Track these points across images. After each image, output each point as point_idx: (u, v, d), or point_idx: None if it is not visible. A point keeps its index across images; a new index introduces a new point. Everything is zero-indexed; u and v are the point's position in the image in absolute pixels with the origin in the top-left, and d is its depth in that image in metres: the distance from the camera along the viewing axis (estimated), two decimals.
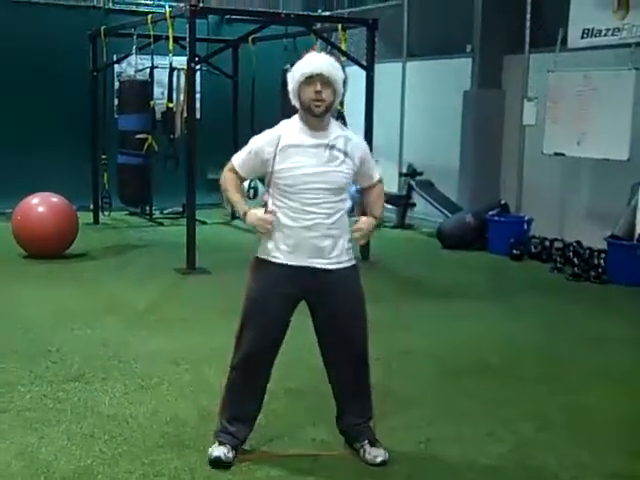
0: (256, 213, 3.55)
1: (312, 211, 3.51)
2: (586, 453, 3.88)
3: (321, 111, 3.50)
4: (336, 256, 3.58)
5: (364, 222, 3.64)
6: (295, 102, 3.58)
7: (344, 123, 8.75)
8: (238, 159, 3.67)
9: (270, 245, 3.57)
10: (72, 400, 4.38)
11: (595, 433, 4.14)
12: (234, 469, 3.58)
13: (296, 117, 3.62)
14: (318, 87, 3.47)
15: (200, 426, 4.01)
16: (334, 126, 3.62)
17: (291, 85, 3.56)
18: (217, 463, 3.58)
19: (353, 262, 3.67)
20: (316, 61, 3.53)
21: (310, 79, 3.48)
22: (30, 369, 4.84)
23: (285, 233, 3.54)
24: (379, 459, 3.67)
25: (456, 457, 3.81)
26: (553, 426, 4.22)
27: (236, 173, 3.69)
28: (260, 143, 3.59)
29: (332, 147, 3.54)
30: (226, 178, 3.70)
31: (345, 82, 8.27)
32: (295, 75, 3.54)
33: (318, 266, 3.54)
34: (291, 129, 3.57)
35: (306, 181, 3.49)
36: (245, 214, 3.58)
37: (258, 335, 3.59)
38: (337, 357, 3.70)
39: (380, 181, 3.82)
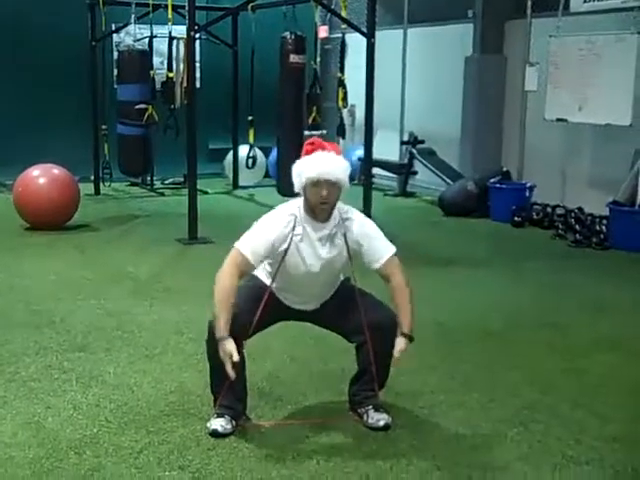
0: (230, 349, 3.34)
1: (310, 287, 3.66)
2: (588, 417, 3.91)
3: (325, 214, 3.54)
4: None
5: (401, 350, 3.54)
6: (299, 191, 3.54)
7: (345, 92, 8.71)
8: (249, 246, 3.50)
9: (265, 281, 3.66)
10: (77, 370, 4.41)
11: (597, 397, 4.16)
12: (238, 437, 3.61)
13: (302, 204, 3.57)
14: (324, 192, 3.45)
15: (204, 395, 4.02)
16: (335, 212, 3.60)
17: (297, 182, 3.51)
18: (215, 435, 3.61)
19: (341, 278, 3.81)
20: (323, 166, 3.45)
21: (317, 183, 3.45)
22: (35, 340, 4.87)
23: (281, 293, 3.67)
24: (382, 422, 3.70)
25: (459, 422, 3.83)
26: (555, 391, 4.24)
27: (242, 264, 3.49)
28: (274, 235, 3.50)
29: (333, 236, 3.57)
30: (223, 283, 3.46)
31: (345, 49, 8.17)
32: (302, 175, 3.48)
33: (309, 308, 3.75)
34: (299, 222, 3.54)
35: (309, 271, 3.57)
36: (220, 339, 3.36)
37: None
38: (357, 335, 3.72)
39: (395, 264, 3.65)
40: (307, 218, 3.56)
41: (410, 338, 3.58)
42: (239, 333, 3.50)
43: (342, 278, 3.82)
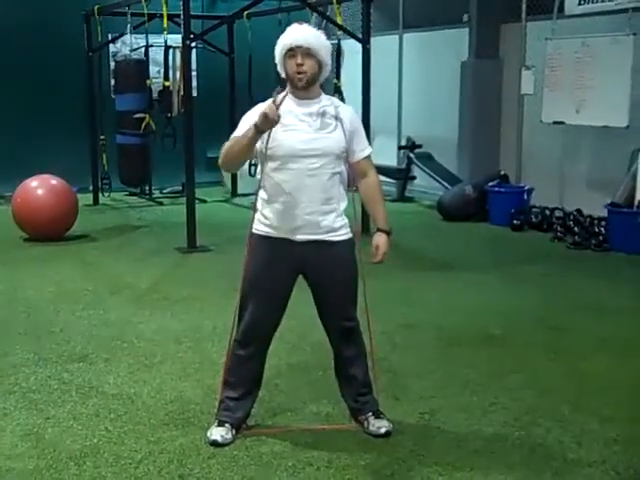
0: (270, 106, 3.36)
1: (307, 184, 3.47)
2: (588, 419, 3.90)
3: (303, 84, 3.47)
4: (333, 229, 3.56)
5: (381, 246, 3.66)
6: (282, 74, 3.56)
7: (341, 98, 8.73)
8: (237, 133, 3.55)
9: (266, 221, 3.55)
10: (77, 380, 4.40)
11: (598, 400, 4.15)
12: (238, 444, 3.60)
13: (286, 90, 3.59)
14: (299, 60, 3.44)
15: (204, 403, 4.03)
16: (323, 96, 3.60)
17: (277, 58, 3.54)
18: (215, 446, 3.59)
19: (350, 235, 3.65)
20: (297, 33, 3.48)
21: (291, 51, 3.45)
22: (34, 351, 4.86)
23: (281, 210, 3.50)
24: (383, 430, 3.69)
25: (461, 426, 3.83)
26: (556, 393, 4.24)
27: None
28: (255, 116, 3.52)
29: (323, 114, 3.52)
30: (225, 146, 3.54)
31: (341, 55, 8.13)
32: (278, 48, 3.52)
33: (315, 238, 3.53)
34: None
35: (300, 149, 3.45)
36: (253, 125, 3.35)
37: (259, 309, 3.59)
38: (330, 327, 3.72)
39: (371, 163, 3.71)
40: (293, 98, 3.52)
41: (388, 233, 3.71)
42: (266, 332, 3.64)
43: (344, 197, 3.63)
